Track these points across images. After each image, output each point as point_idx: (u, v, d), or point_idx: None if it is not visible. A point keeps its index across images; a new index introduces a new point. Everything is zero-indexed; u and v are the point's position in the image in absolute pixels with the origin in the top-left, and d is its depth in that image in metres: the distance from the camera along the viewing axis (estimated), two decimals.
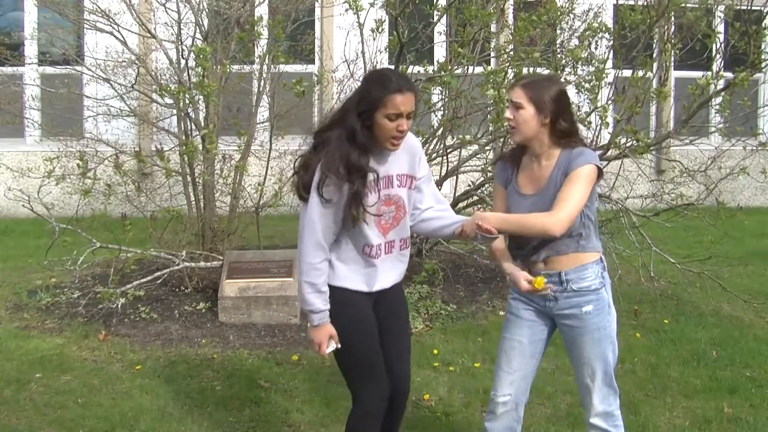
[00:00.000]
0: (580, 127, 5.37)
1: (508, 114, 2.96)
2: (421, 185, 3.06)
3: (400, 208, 2.96)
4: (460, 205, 6.05)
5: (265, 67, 6.03)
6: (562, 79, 5.71)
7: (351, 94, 2.94)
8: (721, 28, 6.22)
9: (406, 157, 2.97)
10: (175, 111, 6.13)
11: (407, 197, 2.98)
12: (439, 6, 6.07)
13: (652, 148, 5.50)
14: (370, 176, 2.85)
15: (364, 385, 2.98)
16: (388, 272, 3.00)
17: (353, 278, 2.93)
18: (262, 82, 6.11)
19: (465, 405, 4.19)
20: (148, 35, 6.25)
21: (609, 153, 5.56)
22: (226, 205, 6.23)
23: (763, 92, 8.61)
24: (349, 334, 2.95)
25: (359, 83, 2.90)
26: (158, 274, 5.53)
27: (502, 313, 5.33)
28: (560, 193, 2.85)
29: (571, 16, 6.19)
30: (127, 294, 5.38)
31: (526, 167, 3.01)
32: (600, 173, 2.89)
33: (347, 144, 2.81)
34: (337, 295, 2.90)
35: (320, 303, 2.87)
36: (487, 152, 6.12)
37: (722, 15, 6.11)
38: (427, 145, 6.10)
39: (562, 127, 2.90)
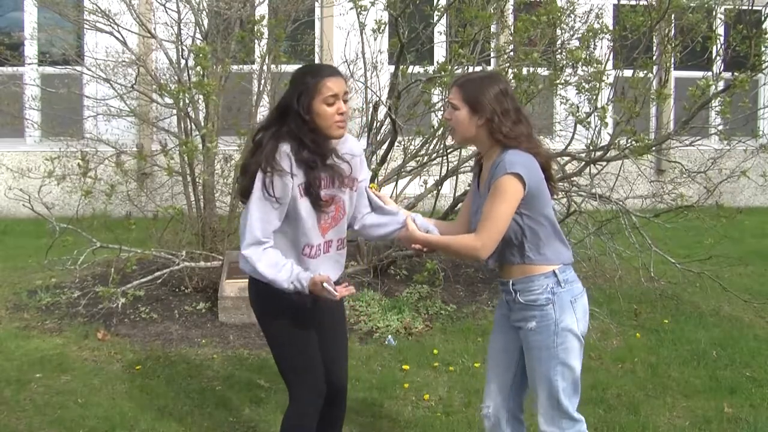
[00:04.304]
0: (579, 127, 5.41)
1: (446, 115, 2.91)
2: (362, 188, 3.07)
3: (339, 208, 2.97)
4: (460, 205, 6.04)
5: (265, 66, 6.03)
6: (563, 80, 5.71)
7: (284, 95, 2.92)
8: (721, 29, 6.22)
9: (348, 159, 2.97)
10: (175, 111, 6.13)
11: (348, 198, 3.00)
12: (440, 6, 6.07)
13: (652, 149, 5.50)
14: (323, 172, 2.85)
15: (299, 382, 2.97)
16: (325, 271, 2.98)
17: None
18: (263, 81, 6.11)
19: (465, 405, 4.19)
20: (148, 35, 6.25)
21: (609, 153, 5.56)
22: (226, 205, 6.23)
23: (763, 94, 8.61)
24: (284, 332, 2.95)
25: (290, 85, 2.88)
26: (158, 274, 5.53)
27: None
28: (484, 207, 2.76)
29: (572, 16, 6.18)
30: (127, 294, 5.38)
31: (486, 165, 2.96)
32: (524, 181, 2.68)
33: (288, 139, 2.81)
34: (273, 292, 2.86)
35: (287, 275, 2.80)
36: None
37: (722, 17, 6.12)
38: (427, 145, 6.11)
39: (501, 128, 2.76)
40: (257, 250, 2.82)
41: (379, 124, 6.06)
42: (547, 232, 2.82)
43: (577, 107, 5.26)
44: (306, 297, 2.94)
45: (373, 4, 5.57)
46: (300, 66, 3.04)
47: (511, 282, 2.86)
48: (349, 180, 2.98)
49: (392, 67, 5.99)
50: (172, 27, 6.13)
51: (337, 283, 2.92)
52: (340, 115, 2.85)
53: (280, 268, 2.81)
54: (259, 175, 2.79)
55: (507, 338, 2.96)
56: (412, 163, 6.13)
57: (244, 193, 2.87)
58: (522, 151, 2.75)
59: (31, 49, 8.46)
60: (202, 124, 5.92)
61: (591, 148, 5.56)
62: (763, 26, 5.32)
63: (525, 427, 3.09)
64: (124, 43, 6.14)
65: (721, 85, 5.40)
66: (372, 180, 5.84)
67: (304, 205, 2.86)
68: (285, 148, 2.81)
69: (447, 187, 6.61)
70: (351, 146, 3.02)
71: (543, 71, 5.88)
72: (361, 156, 3.08)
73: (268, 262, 2.82)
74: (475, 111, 2.79)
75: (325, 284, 2.75)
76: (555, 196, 3.07)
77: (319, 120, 2.83)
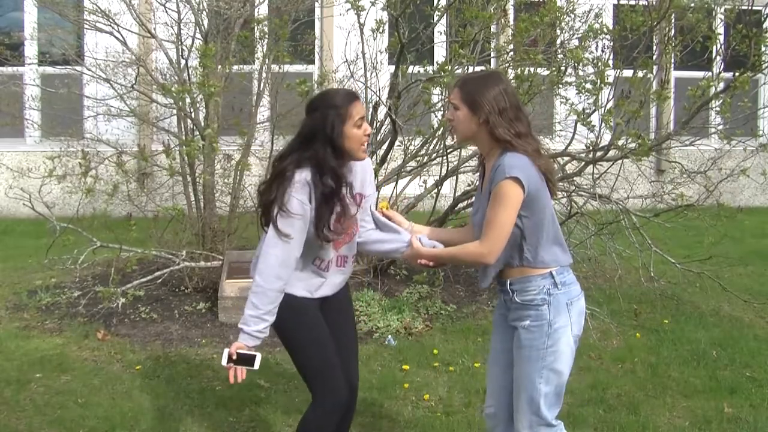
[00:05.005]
0: (579, 127, 5.41)
1: (448, 115, 2.93)
2: (365, 204, 3.11)
3: (352, 224, 3.03)
4: (460, 205, 6.05)
5: (265, 66, 6.03)
6: (564, 80, 5.71)
7: (303, 123, 2.97)
8: (721, 29, 6.22)
9: (360, 175, 3.04)
10: (175, 111, 6.13)
11: (359, 214, 3.06)
12: (440, 6, 6.07)
13: (652, 149, 5.50)
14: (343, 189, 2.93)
15: (324, 386, 2.99)
16: (334, 283, 3.08)
17: (297, 285, 2.97)
18: (263, 82, 6.11)
19: (465, 405, 4.20)
20: (148, 35, 6.25)
21: (610, 154, 5.56)
22: (226, 205, 6.23)
23: (763, 93, 8.61)
24: (302, 336, 3.00)
25: (315, 112, 2.93)
26: (158, 273, 5.53)
27: None
28: (487, 213, 2.77)
29: (572, 16, 6.18)
30: (127, 294, 5.38)
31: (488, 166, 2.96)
32: (523, 184, 2.68)
33: (309, 165, 2.87)
34: (286, 300, 2.93)
35: (256, 324, 2.88)
36: None
37: (723, 17, 6.12)
38: (427, 145, 6.11)
39: (497, 127, 2.76)
40: (274, 284, 2.87)
41: (379, 124, 6.06)
42: (547, 234, 2.82)
43: (583, 111, 5.26)
44: (313, 302, 3.02)
45: (373, 4, 5.57)
46: (320, 92, 3.07)
47: (508, 282, 2.88)
48: (359, 197, 3.04)
49: (392, 67, 5.99)
50: (172, 27, 6.13)
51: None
52: (366, 136, 2.94)
53: (261, 315, 2.86)
54: (275, 213, 2.85)
55: (506, 338, 2.97)
56: (412, 163, 6.13)
57: (266, 223, 2.93)
58: (519, 154, 2.76)
59: (31, 49, 8.46)
60: (203, 124, 5.92)
61: (591, 148, 5.56)
62: (764, 26, 5.32)
63: None
64: (124, 43, 6.14)
65: (721, 85, 5.40)
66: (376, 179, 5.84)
67: None
68: (304, 175, 2.86)
69: (447, 187, 6.61)
70: (363, 162, 3.06)
71: (543, 71, 5.88)
72: (371, 172, 3.14)
73: (266, 300, 2.86)
74: (474, 110, 2.80)
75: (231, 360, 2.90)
76: (555, 197, 3.07)
77: (349, 143, 2.91)
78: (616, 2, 7.51)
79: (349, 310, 3.28)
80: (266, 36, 5.68)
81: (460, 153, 6.08)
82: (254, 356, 2.89)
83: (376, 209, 3.21)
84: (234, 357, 2.88)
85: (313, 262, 2.99)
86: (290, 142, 3.03)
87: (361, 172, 3.05)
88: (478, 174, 3.11)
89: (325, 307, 3.07)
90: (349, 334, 3.22)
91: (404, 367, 4.69)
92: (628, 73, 5.56)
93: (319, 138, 2.88)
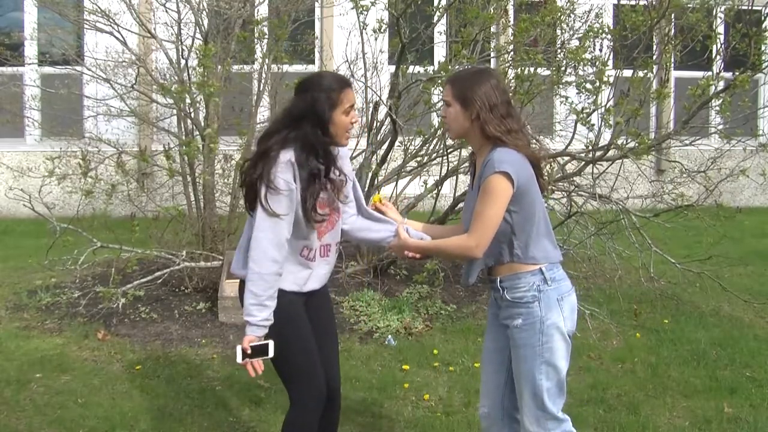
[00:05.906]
0: (580, 127, 5.41)
1: (442, 112, 2.93)
2: (347, 189, 3.09)
3: (334, 211, 3.00)
4: (460, 205, 6.05)
5: (265, 67, 6.03)
6: (564, 80, 5.71)
7: (293, 103, 2.94)
8: (721, 29, 6.23)
9: (339, 160, 3.01)
10: (175, 111, 6.13)
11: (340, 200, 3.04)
12: (440, 6, 6.07)
13: (652, 149, 5.51)
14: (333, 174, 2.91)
15: (302, 386, 2.97)
16: (320, 275, 3.04)
17: (287, 279, 2.94)
18: (263, 81, 6.11)
19: (465, 405, 4.20)
20: (148, 35, 6.25)
21: (610, 153, 5.57)
22: (226, 205, 6.23)
23: (763, 93, 8.61)
24: (284, 333, 2.95)
25: (305, 93, 2.90)
26: (158, 274, 5.53)
27: None
28: (475, 207, 2.77)
29: (572, 16, 6.18)
30: (128, 294, 5.38)
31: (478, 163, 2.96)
32: (512, 179, 2.69)
33: (294, 145, 2.84)
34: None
35: (260, 314, 2.84)
36: None
37: (722, 16, 6.12)
38: (427, 145, 6.11)
39: (488, 123, 2.77)
40: (270, 268, 2.83)
41: (379, 124, 6.06)
42: (537, 229, 2.83)
43: (583, 110, 5.26)
44: (300, 298, 2.98)
45: (373, 4, 5.57)
46: (312, 73, 3.04)
47: (498, 279, 2.88)
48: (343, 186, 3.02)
49: (392, 67, 6.00)
50: (172, 27, 6.13)
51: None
52: (352, 123, 2.92)
53: (262, 302, 2.83)
54: (262, 192, 2.81)
55: (498, 338, 2.97)
56: (412, 163, 6.13)
57: (251, 206, 2.89)
58: (510, 149, 2.77)
59: (31, 49, 8.46)
60: (202, 124, 5.92)
61: (591, 147, 5.56)
62: (763, 25, 5.33)
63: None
64: (124, 43, 6.14)
65: (721, 84, 5.40)
66: (373, 180, 5.84)
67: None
68: (288, 156, 2.82)
69: (447, 187, 6.61)
70: (341, 148, 3.05)
71: (543, 71, 5.88)
72: (347, 157, 3.12)
73: (265, 286, 2.83)
74: (465, 107, 2.81)
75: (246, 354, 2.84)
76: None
77: (334, 128, 2.89)
78: (616, 2, 7.51)
79: (329, 307, 3.25)
80: (266, 36, 5.68)
81: (460, 153, 6.08)
82: (267, 344, 2.86)
83: (369, 203, 3.19)
84: (249, 351, 2.84)
85: (301, 252, 2.95)
86: (275, 120, 3.00)
87: (340, 158, 3.02)
88: (469, 173, 3.10)
89: (308, 303, 3.03)
90: (330, 330, 3.20)
91: (404, 367, 4.69)
92: (628, 72, 5.57)
93: (309, 119, 2.86)
